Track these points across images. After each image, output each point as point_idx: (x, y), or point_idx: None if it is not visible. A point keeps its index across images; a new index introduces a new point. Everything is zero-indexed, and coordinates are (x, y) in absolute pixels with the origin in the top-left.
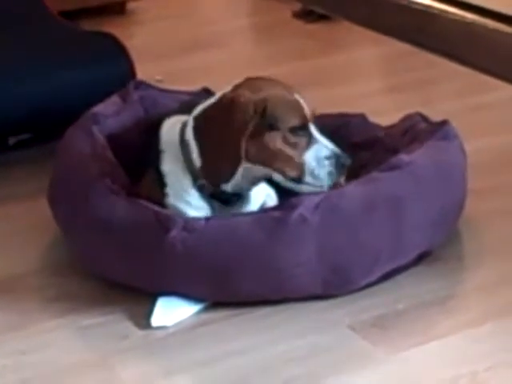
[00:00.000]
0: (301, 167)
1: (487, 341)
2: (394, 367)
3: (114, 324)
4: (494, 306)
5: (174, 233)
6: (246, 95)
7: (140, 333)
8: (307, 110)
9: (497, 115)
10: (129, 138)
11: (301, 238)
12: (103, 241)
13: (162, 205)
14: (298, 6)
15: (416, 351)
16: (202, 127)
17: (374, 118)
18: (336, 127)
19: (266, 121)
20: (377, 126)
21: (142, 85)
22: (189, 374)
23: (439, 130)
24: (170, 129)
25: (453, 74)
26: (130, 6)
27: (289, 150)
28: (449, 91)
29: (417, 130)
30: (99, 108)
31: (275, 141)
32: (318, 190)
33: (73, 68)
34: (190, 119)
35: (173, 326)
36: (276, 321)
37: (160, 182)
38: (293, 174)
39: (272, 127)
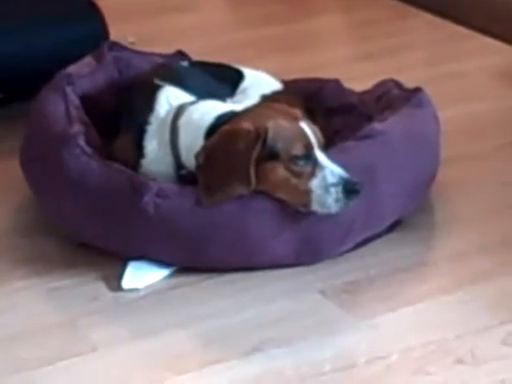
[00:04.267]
0: (306, 196)
1: (458, 308)
2: (364, 333)
3: (84, 286)
4: (465, 273)
5: (147, 198)
6: (247, 126)
7: (110, 295)
8: (312, 138)
9: (468, 83)
10: (102, 98)
11: (272, 207)
12: (75, 202)
13: (135, 169)
14: None
15: (386, 317)
16: (205, 156)
17: (346, 84)
18: (310, 92)
19: (267, 150)
20: (351, 92)
21: (115, 46)
22: (158, 336)
23: (412, 97)
24: (166, 103)
25: (425, 42)
26: None
27: (293, 179)
28: (422, 58)
29: (390, 97)
30: (73, 68)
31: (277, 170)
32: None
33: (45, 27)
34: (187, 107)
35: (143, 288)
36: (247, 285)
37: (136, 150)
38: (298, 202)
39: (274, 156)
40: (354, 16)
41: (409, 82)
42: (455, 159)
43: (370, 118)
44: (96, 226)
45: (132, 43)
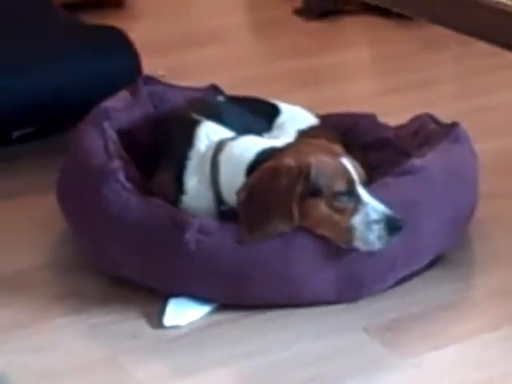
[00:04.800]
0: (349, 232)
1: (500, 347)
2: (408, 371)
3: (124, 323)
4: (507, 311)
5: (189, 234)
6: (289, 162)
7: (151, 332)
8: (354, 174)
9: (500, 116)
10: (139, 133)
11: (314, 244)
12: (115, 238)
13: (175, 204)
14: (298, 3)
15: (431, 355)
16: (247, 192)
17: (378, 119)
18: (346, 127)
19: (310, 187)
20: (386, 127)
21: (150, 80)
22: (200, 375)
23: (450, 132)
24: (206, 138)
25: (454, 75)
26: None
27: (335, 216)
28: (452, 92)
29: (427, 132)
30: (110, 103)
31: (320, 207)
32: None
33: (79, 61)
34: (228, 142)
35: (184, 326)
36: (289, 323)
37: (176, 186)
38: (341, 239)
39: (316, 193)
40: (381, 49)
41: (439, 116)
42: (493, 194)
43: (406, 153)
44: (136, 262)
45: (161, 76)
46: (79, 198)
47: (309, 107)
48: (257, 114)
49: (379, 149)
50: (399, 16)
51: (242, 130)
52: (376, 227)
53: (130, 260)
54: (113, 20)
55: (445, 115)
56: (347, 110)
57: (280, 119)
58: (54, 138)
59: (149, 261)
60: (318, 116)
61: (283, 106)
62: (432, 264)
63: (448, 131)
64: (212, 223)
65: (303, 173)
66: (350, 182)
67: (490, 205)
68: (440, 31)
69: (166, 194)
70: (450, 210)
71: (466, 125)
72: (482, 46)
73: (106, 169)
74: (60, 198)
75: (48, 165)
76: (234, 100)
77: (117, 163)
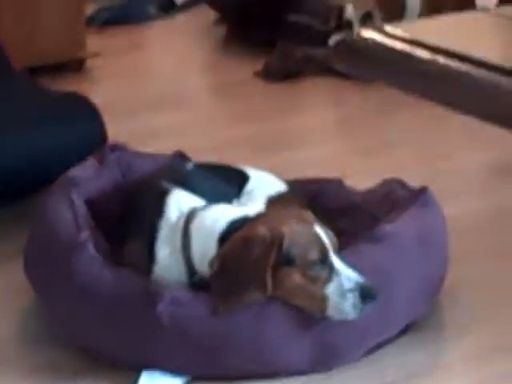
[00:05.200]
0: (322, 302)
1: None
2: None
3: None
4: (480, 375)
5: (161, 307)
6: (262, 231)
7: None
8: (327, 242)
9: (465, 179)
10: (107, 202)
11: (288, 314)
12: (85, 310)
13: (146, 275)
14: (259, 66)
15: None
16: (220, 263)
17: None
18: (313, 193)
19: (283, 256)
20: (354, 192)
21: (117, 147)
22: None
23: (419, 197)
24: (176, 208)
25: (419, 137)
26: (88, 63)
27: (308, 285)
28: (415, 154)
29: (396, 197)
30: (77, 171)
31: (293, 276)
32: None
33: (44, 130)
34: (199, 212)
35: None
36: None
37: (147, 256)
38: (314, 308)
39: (290, 262)
40: (343, 110)
41: (405, 179)
42: (461, 258)
43: (375, 219)
44: (107, 334)
45: (125, 142)
46: (48, 269)
47: (274, 172)
48: (226, 181)
49: (348, 214)
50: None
51: (211, 197)
52: (350, 296)
53: (101, 332)
54: (73, 84)
55: (408, 178)
56: (312, 174)
57: (249, 186)
58: (22, 205)
59: (120, 333)
60: (285, 181)
61: (251, 172)
62: (404, 330)
63: (417, 196)
64: (185, 294)
65: (276, 242)
66: (324, 251)
67: (459, 269)
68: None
69: (137, 265)
70: (423, 277)
71: (430, 188)
72: (439, 109)
73: (75, 241)
74: (28, 268)
75: (11, 232)
76: (203, 167)
77: (86, 234)
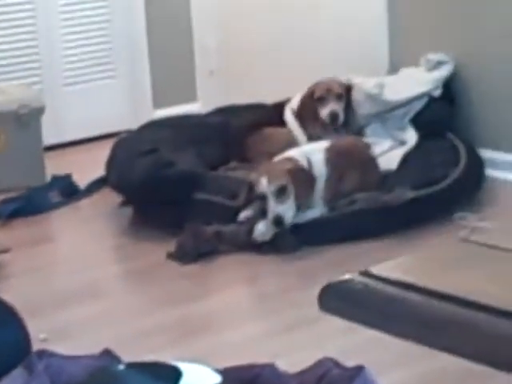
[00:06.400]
0: None
1: None
2: None
3: None
4: None
5: None
6: None
7: None
8: None
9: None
10: None
11: None
12: None
13: None
14: (171, 246)
15: None
16: None
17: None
18: (248, 379)
19: None
20: (289, 375)
21: (44, 353)
22: None
23: (356, 375)
24: None
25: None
26: None
27: None
28: (338, 326)
29: (332, 377)
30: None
31: None
32: None
33: None
34: None
35: None
36: None
37: None
38: None
39: None
40: (261, 286)
41: (332, 353)
42: None
43: None
44: None
45: (44, 340)
46: None
47: (202, 359)
48: (159, 380)
49: None
50: (275, 251)
51: None
52: None
53: None
54: None
55: (336, 351)
56: (240, 356)
57: (182, 382)
58: None
59: None
60: (218, 370)
61: (183, 367)
62: None
63: (353, 375)
64: None
65: None
66: None
67: None
68: (315, 263)
69: None
70: None
71: (361, 360)
72: None
73: None
74: None
75: None
76: (134, 366)
77: None
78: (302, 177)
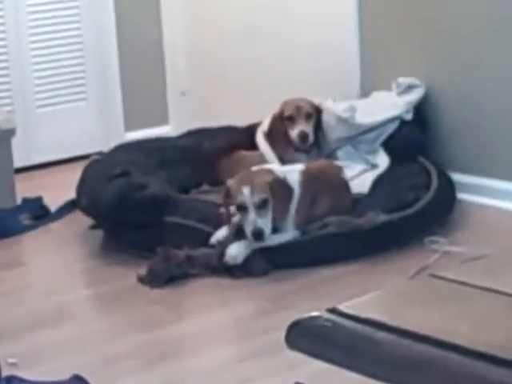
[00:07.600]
0: None
1: None
2: None
3: None
4: None
5: None
6: None
7: None
8: None
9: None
10: None
11: None
12: None
13: None
14: (142, 269)
15: None
16: None
17: None
18: None
19: None
20: None
21: (14, 379)
22: None
23: None
24: None
25: None
26: None
27: None
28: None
29: None
30: None
31: None
32: None
33: None
34: None
35: None
36: None
37: None
38: None
39: None
40: (232, 310)
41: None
42: None
43: None
44: None
45: (13, 364)
46: None
47: None
48: None
49: None
50: (246, 275)
51: None
52: None
53: None
54: None
55: (307, 377)
56: (211, 381)
57: None
58: None
59: None
60: None
61: None
62: None
63: None
64: None
65: None
66: None
67: None
68: (287, 287)
69: None
70: None
71: None
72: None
73: None
74: None
75: None
76: None
77: None
78: (280, 191)
